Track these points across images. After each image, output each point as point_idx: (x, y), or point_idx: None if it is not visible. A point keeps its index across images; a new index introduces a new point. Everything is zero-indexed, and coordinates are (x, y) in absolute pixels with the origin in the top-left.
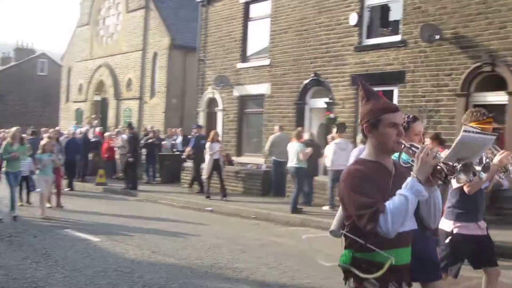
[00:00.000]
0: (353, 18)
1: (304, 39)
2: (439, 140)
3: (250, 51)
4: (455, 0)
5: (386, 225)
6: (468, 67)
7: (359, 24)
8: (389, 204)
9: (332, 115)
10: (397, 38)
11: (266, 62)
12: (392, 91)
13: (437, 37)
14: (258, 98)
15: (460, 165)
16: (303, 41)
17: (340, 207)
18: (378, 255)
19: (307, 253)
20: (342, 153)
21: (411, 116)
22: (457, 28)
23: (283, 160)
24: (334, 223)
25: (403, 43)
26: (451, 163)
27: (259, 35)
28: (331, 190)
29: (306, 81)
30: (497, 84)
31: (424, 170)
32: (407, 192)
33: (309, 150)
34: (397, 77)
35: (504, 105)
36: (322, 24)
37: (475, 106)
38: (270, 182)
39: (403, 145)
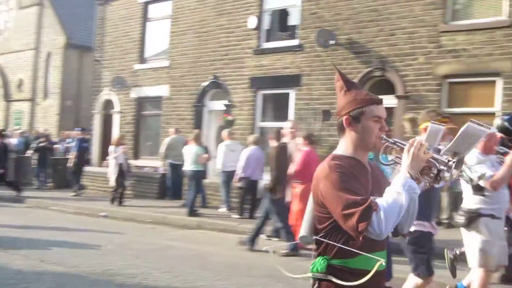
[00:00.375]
0: (252, 22)
1: (204, 41)
2: (309, 140)
3: (148, 52)
4: (349, 7)
5: (379, 225)
6: (360, 71)
7: (258, 27)
8: (381, 201)
9: (230, 118)
10: (294, 42)
11: (165, 63)
12: (288, 94)
13: (332, 42)
14: (156, 100)
15: (455, 159)
16: (203, 43)
17: (309, 210)
18: (357, 260)
19: (204, 256)
20: (232, 155)
21: None
22: (351, 34)
23: (179, 163)
24: (303, 228)
25: (300, 47)
26: (444, 158)
27: (158, 36)
28: (226, 192)
29: (205, 84)
30: (387, 88)
31: (417, 165)
32: (400, 188)
33: (207, 155)
34: (293, 80)
35: (393, 108)
36: (222, 27)
37: None
38: (167, 186)
39: (386, 141)
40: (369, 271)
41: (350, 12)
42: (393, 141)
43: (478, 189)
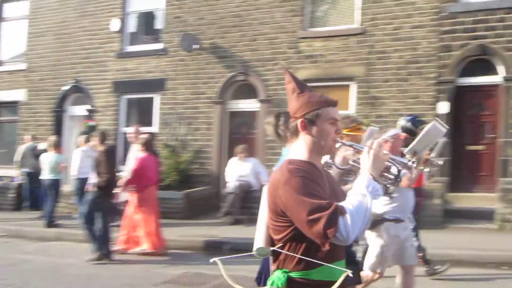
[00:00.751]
0: (115, 24)
1: (65, 43)
2: (146, 146)
3: (4, 54)
4: (213, 12)
5: (346, 230)
6: (224, 76)
7: (121, 30)
8: (347, 205)
9: (92, 123)
10: (158, 46)
11: (22, 66)
12: (153, 98)
13: (196, 46)
14: (13, 105)
15: (414, 159)
16: (64, 46)
17: (262, 219)
18: (320, 272)
19: (60, 268)
20: (88, 161)
21: None
22: (215, 38)
23: (36, 171)
24: (257, 240)
25: (164, 51)
26: (403, 159)
27: (14, 37)
28: (79, 200)
29: (65, 88)
30: (250, 92)
31: (378, 167)
32: (365, 191)
33: (65, 164)
34: (158, 85)
35: (256, 111)
36: (84, 29)
37: (231, 113)
38: (24, 196)
39: (341, 144)
40: (333, 282)
41: (213, 17)
42: (349, 144)
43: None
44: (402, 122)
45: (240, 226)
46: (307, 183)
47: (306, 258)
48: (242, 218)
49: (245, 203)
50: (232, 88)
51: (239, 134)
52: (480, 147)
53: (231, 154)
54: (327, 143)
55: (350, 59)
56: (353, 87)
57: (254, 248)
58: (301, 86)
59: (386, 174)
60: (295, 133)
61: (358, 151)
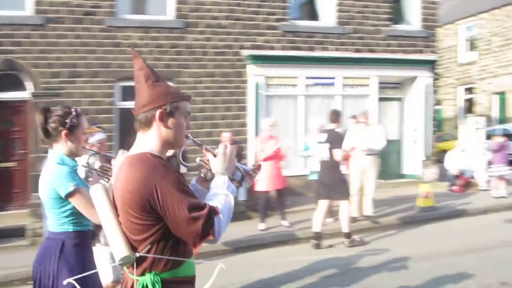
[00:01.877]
0: None
1: None
2: None
3: None
4: None
5: (219, 228)
6: None
7: None
8: (217, 205)
9: None
10: None
11: None
12: None
13: None
14: None
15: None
16: None
17: (111, 223)
18: (185, 268)
19: None
20: None
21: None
22: None
23: None
24: (119, 247)
25: None
26: (244, 165)
27: None
28: None
29: None
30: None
31: (231, 168)
32: (226, 191)
33: None
34: None
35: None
36: None
37: None
38: None
39: (190, 140)
40: (193, 277)
41: None
42: (199, 142)
43: None
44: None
45: None
46: (182, 180)
47: (176, 258)
48: None
49: None
50: None
51: None
52: (11, 164)
53: None
54: (181, 137)
55: None
56: None
57: (118, 257)
58: (156, 74)
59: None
60: (148, 124)
61: (207, 150)
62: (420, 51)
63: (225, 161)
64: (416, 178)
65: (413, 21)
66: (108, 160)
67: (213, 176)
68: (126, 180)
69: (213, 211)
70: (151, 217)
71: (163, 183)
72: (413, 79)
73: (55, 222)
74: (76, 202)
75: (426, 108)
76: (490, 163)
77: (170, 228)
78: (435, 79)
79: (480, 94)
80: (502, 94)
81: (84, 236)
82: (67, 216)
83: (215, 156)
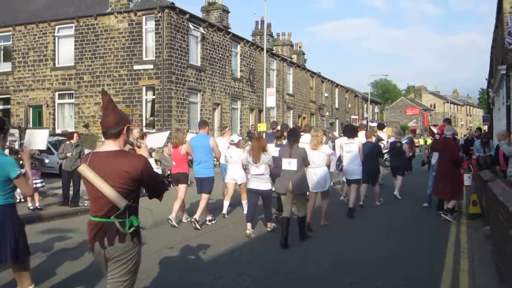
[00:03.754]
0: None
1: None
2: None
3: None
4: None
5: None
6: None
7: None
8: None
9: None
10: None
11: None
12: None
13: None
14: None
15: None
16: None
17: (107, 187)
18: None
19: None
20: None
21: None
22: None
23: None
24: (121, 200)
25: None
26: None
27: None
28: None
29: None
30: None
31: None
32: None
33: None
34: None
35: None
36: None
37: None
38: None
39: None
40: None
41: None
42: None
43: None
44: None
45: None
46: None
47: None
48: None
49: None
50: None
51: None
52: None
53: None
54: (125, 144)
55: None
56: None
57: (122, 205)
58: (114, 103)
59: None
60: (117, 135)
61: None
62: None
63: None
64: None
65: None
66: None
67: None
68: (120, 164)
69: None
70: (135, 185)
71: (148, 167)
72: None
73: None
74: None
75: None
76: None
77: (147, 190)
78: None
79: (15, 105)
80: (38, 107)
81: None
82: None
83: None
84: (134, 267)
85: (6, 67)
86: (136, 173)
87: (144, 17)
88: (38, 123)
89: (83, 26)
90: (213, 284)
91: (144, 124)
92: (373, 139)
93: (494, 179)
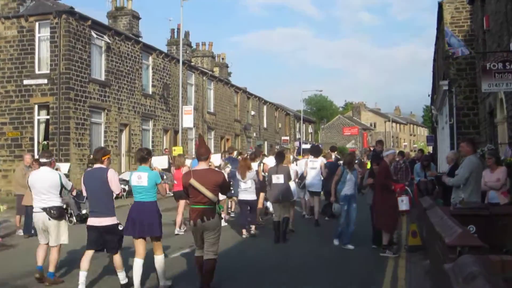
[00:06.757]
0: None
1: None
2: None
3: None
4: None
5: None
6: None
7: None
8: None
9: None
10: None
11: None
12: None
13: None
14: None
15: None
16: None
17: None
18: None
19: None
20: None
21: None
22: None
23: None
24: (216, 196)
25: None
26: None
27: None
28: None
29: None
30: None
31: None
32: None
33: None
34: None
35: None
36: None
37: None
38: None
39: None
40: None
41: None
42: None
43: None
44: None
45: None
46: None
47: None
48: None
49: None
50: None
51: None
52: None
53: None
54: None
55: None
56: None
57: (215, 200)
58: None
59: None
60: (206, 159)
61: None
62: None
63: None
64: None
65: None
66: None
67: None
68: (211, 176)
69: None
70: (219, 188)
71: (224, 177)
72: None
73: None
74: None
75: None
76: None
77: (221, 190)
78: None
79: None
80: None
81: None
82: None
83: None
84: (220, 232)
85: None
86: (220, 181)
87: (37, 23)
88: None
89: None
90: None
91: (36, 149)
92: (333, 158)
93: (433, 207)
